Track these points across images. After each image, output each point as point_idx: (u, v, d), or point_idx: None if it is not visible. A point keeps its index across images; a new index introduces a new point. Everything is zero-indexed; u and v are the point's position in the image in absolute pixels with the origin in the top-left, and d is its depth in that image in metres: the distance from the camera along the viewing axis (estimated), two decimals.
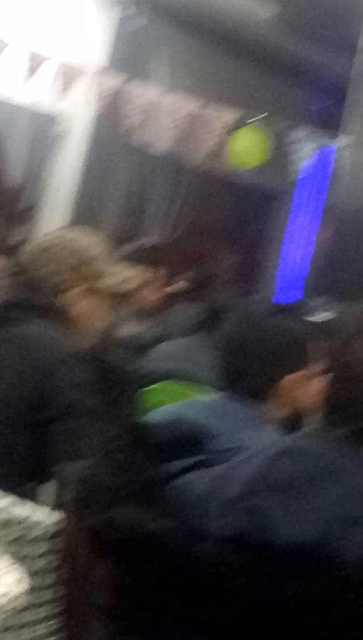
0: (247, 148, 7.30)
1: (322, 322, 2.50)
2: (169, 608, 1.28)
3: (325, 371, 1.43)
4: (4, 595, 1.89)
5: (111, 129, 7.79)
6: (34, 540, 2.26)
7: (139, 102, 7.29)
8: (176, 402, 2.39)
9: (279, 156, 7.80)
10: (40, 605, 2.28)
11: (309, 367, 2.26)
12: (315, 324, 2.35)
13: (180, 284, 7.09)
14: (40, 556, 2.27)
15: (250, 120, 7.30)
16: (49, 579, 2.28)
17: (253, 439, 2.09)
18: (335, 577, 1.18)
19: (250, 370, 2.25)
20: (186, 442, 1.37)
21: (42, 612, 2.29)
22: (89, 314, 2.88)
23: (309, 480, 1.26)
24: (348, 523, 1.21)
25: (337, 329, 1.43)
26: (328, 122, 8.61)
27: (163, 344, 4.49)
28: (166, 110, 7.57)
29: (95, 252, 2.89)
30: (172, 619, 1.28)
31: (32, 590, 2.23)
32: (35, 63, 7.02)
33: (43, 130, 7.85)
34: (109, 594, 1.36)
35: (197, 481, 1.28)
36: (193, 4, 7.83)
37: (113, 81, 7.24)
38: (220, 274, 9.38)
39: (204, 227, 9.67)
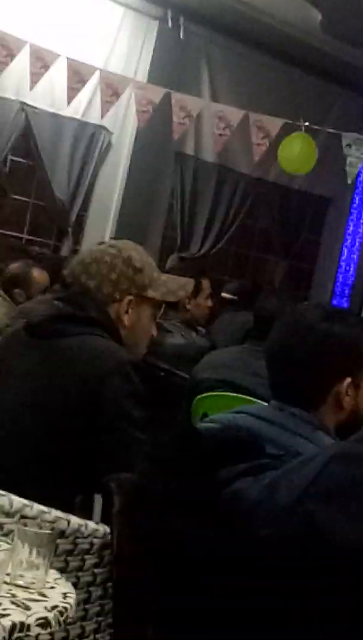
0: (296, 154, 7.25)
1: None
2: (223, 615, 1.25)
3: None
4: (53, 608, 1.87)
5: (155, 140, 7.80)
6: (84, 553, 2.24)
7: (184, 113, 7.28)
8: (226, 410, 2.35)
9: (331, 162, 7.76)
10: (90, 617, 2.26)
11: (361, 373, 2.22)
12: None
13: (229, 292, 7.07)
14: (89, 568, 2.25)
15: (298, 127, 7.26)
16: (99, 591, 2.26)
17: (306, 446, 2.07)
18: None
19: (301, 377, 2.21)
20: (239, 448, 1.35)
21: (92, 624, 2.27)
22: (138, 324, 2.87)
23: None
24: None
25: None
26: None
27: (213, 352, 4.47)
28: (211, 120, 7.55)
29: (143, 262, 2.88)
30: (227, 625, 1.25)
31: (81, 602, 2.21)
32: (80, 75, 7.06)
33: (89, 143, 7.88)
34: (161, 602, 1.33)
35: (250, 488, 1.27)
36: (234, 14, 7.82)
37: (157, 93, 7.24)
38: (272, 281, 9.35)
39: (255, 235, 9.65)
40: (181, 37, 8.12)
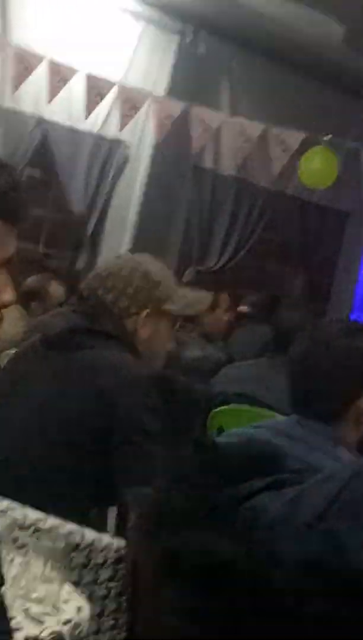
0: (317, 168, 7.25)
1: None
2: (240, 634, 1.23)
3: None
4: (67, 621, 1.85)
5: (174, 154, 7.79)
6: (98, 566, 2.22)
7: (203, 127, 7.28)
8: (245, 424, 2.33)
9: (351, 175, 7.73)
10: (104, 631, 2.24)
11: None
12: None
13: (247, 306, 7.05)
14: (104, 582, 2.23)
15: (319, 141, 7.25)
16: (113, 605, 2.24)
17: (326, 461, 2.04)
18: None
19: (322, 392, 2.19)
20: (258, 462, 1.33)
21: (105, 638, 2.24)
22: (155, 337, 2.86)
23: None
24: None
25: None
26: None
27: (230, 366, 4.45)
28: (231, 134, 7.55)
29: (160, 276, 2.86)
30: None
31: (96, 616, 2.19)
32: (99, 89, 7.07)
33: (107, 156, 7.88)
34: (177, 619, 1.31)
35: (271, 503, 1.24)
36: (255, 28, 7.82)
37: (176, 106, 7.25)
38: (290, 294, 9.33)
39: (274, 248, 9.63)
40: (202, 51, 8.12)
